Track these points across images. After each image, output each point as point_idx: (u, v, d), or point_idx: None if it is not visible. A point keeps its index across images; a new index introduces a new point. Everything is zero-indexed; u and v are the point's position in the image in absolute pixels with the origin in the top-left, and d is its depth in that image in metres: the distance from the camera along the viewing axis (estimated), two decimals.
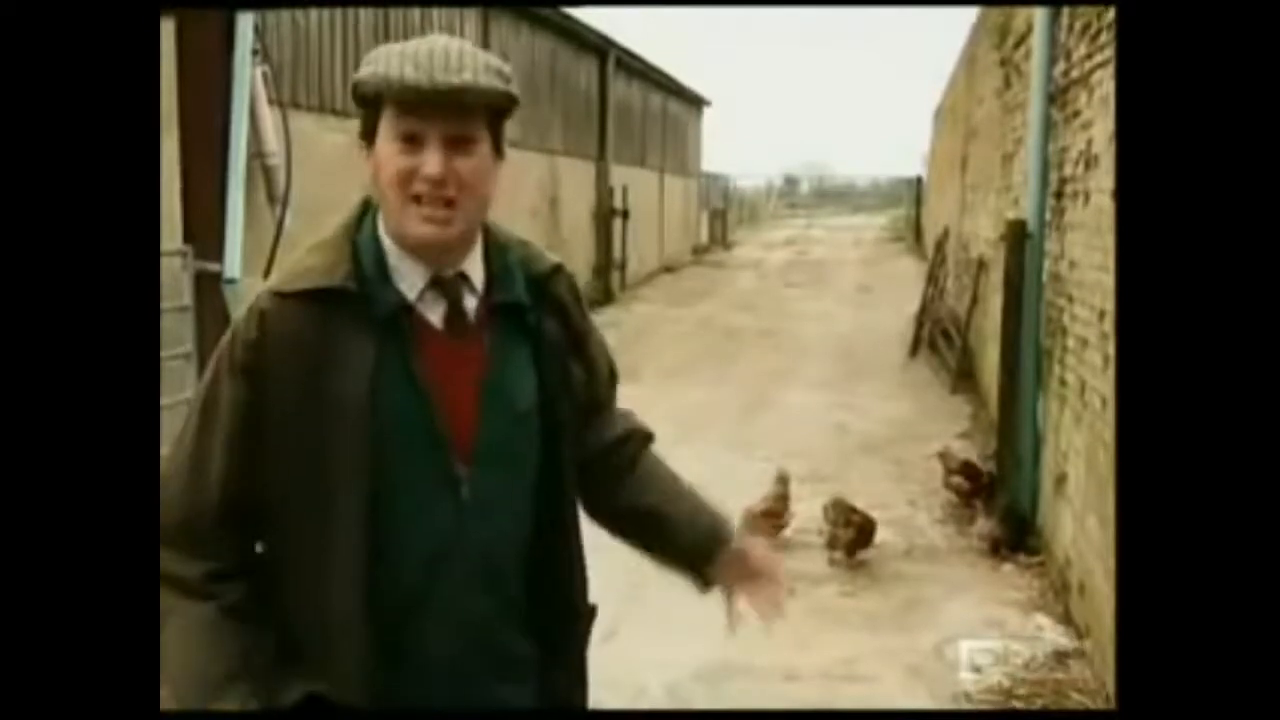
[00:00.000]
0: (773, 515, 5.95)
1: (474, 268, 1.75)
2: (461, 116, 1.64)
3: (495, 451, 1.73)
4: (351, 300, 1.67)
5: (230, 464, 1.67)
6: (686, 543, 1.94)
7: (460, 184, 1.65)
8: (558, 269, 1.86)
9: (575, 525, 1.86)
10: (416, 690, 1.70)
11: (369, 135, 1.68)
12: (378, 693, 1.67)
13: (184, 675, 1.65)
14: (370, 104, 1.66)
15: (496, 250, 1.79)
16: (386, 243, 1.71)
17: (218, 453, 1.68)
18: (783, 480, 6.13)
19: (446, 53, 1.63)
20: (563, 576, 1.83)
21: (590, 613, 1.91)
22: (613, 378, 2.00)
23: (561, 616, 1.83)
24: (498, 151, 1.71)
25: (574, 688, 1.89)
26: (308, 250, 1.75)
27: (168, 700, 1.64)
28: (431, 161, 1.63)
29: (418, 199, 1.65)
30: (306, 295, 1.67)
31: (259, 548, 1.74)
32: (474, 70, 1.63)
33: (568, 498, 1.84)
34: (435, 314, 1.72)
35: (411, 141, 1.63)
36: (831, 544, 5.83)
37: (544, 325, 1.80)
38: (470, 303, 1.75)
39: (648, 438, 2.04)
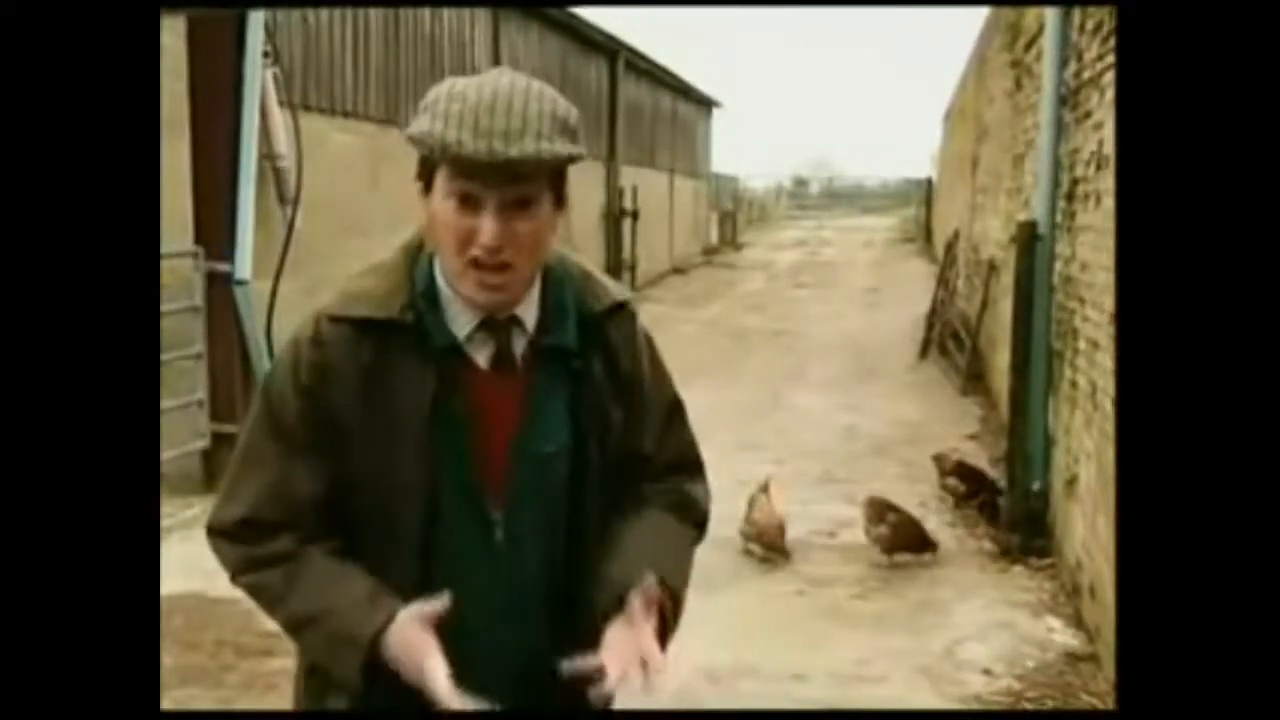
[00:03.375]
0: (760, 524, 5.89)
1: (528, 309, 1.72)
2: (521, 180, 1.58)
3: (527, 495, 1.71)
4: (407, 331, 1.66)
5: (306, 460, 1.67)
6: (599, 597, 1.73)
7: (518, 247, 1.60)
8: (617, 308, 1.79)
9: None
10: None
11: (425, 178, 1.63)
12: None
13: (332, 608, 1.64)
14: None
15: (554, 288, 1.74)
16: (441, 284, 1.68)
17: (296, 457, 1.68)
18: (763, 489, 6.07)
19: (509, 110, 1.55)
20: (588, 608, 1.75)
21: None
22: (672, 414, 1.89)
23: (588, 641, 1.74)
24: (559, 202, 1.66)
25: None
26: (364, 273, 1.72)
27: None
28: (488, 230, 1.57)
29: (475, 262, 1.60)
30: (363, 321, 1.65)
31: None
32: (536, 134, 1.55)
33: (591, 534, 1.78)
34: (482, 355, 1.70)
35: (467, 202, 1.58)
36: (873, 540, 5.79)
37: (590, 368, 1.75)
38: (519, 345, 1.72)
39: (683, 509, 1.87)
